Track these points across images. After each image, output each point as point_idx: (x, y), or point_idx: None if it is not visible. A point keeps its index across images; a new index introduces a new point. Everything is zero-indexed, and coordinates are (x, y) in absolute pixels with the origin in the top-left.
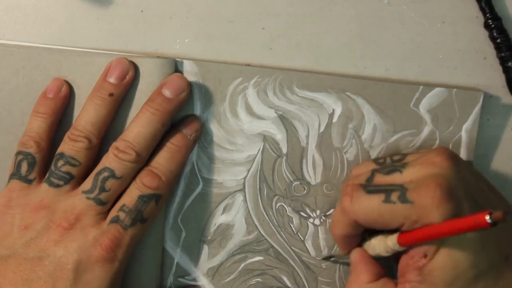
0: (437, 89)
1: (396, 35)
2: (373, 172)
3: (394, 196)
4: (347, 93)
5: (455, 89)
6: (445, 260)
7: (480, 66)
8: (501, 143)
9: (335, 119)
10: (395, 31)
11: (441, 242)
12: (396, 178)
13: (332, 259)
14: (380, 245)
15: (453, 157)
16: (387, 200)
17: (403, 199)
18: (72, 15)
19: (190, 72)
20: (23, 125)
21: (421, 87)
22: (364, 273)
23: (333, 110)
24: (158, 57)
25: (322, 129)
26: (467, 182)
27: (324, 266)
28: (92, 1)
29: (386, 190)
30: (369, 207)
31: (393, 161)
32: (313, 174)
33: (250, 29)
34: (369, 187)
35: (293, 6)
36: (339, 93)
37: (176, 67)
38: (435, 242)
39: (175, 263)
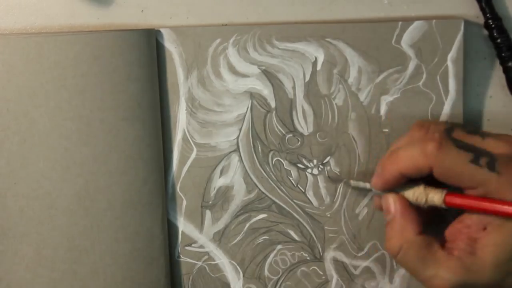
0: (416, 23)
1: None
2: (453, 126)
3: (483, 161)
4: (327, 39)
5: (434, 20)
6: (506, 239)
7: (480, 66)
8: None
9: (319, 67)
10: None
11: (505, 220)
12: (476, 140)
13: (344, 181)
14: (421, 195)
15: None
16: (475, 161)
17: (491, 167)
18: (72, 15)
19: (168, 40)
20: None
21: (400, 22)
22: (411, 224)
23: (316, 58)
24: (137, 29)
25: (307, 78)
26: None
27: (328, 215)
28: (92, 1)
29: (475, 151)
30: (455, 162)
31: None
32: (304, 124)
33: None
34: (458, 142)
35: (294, 6)
36: (319, 40)
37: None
38: (498, 217)
39: (180, 233)
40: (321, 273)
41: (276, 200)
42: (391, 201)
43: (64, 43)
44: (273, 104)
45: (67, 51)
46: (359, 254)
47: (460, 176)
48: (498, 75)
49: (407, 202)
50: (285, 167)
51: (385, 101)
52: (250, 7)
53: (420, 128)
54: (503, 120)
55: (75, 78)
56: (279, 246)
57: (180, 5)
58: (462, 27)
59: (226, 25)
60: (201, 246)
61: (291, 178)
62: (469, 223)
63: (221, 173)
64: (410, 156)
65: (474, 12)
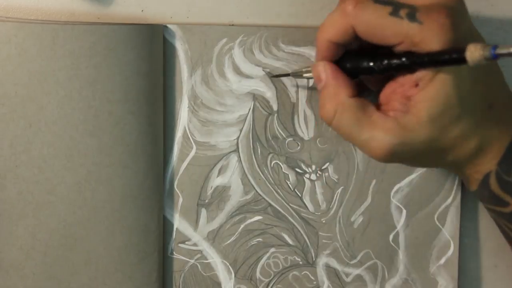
0: None
1: None
2: None
3: (403, 12)
4: None
5: None
6: (437, 92)
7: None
8: None
9: None
10: None
11: (436, 72)
12: None
13: (290, 75)
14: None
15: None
16: (394, 13)
17: (412, 17)
18: (72, 15)
19: (175, 36)
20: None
21: None
22: (344, 87)
23: None
24: (144, 23)
25: (311, 83)
26: (472, 26)
27: (324, 221)
28: (92, 1)
29: (396, 4)
30: (374, 16)
31: None
32: (305, 129)
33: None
34: None
35: (294, 6)
36: None
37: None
38: (429, 71)
39: (174, 229)
40: (312, 278)
41: (272, 203)
42: (321, 68)
43: (80, 33)
44: (275, 107)
45: (83, 40)
46: (352, 262)
47: (382, 30)
48: None
49: (337, 67)
50: (283, 170)
51: None
52: (250, 7)
53: None
54: None
55: (88, 68)
56: (272, 249)
57: (180, 5)
58: None
59: (233, 25)
60: (195, 244)
61: (288, 182)
62: (402, 82)
63: (219, 173)
64: (332, 20)
65: (473, 12)
